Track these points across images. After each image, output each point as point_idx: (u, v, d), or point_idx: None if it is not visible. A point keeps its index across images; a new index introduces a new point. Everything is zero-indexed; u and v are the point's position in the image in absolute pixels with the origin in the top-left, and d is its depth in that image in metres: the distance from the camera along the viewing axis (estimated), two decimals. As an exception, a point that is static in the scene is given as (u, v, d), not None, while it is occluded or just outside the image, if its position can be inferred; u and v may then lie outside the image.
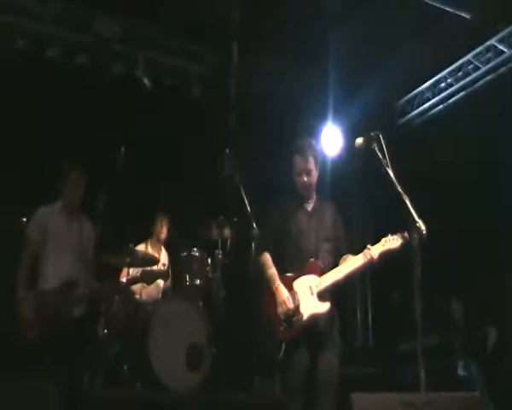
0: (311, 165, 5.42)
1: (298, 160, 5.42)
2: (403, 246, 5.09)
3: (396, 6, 8.63)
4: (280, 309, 5.09)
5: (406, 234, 4.99)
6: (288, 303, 5.09)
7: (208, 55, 10.01)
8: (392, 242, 5.16)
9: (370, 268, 5.23)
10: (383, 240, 5.19)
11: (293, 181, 5.51)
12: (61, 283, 6.04)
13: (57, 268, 6.14)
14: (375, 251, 5.15)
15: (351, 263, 5.20)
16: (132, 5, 8.78)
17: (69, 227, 6.36)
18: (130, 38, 9.42)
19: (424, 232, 4.30)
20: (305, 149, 5.44)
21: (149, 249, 8.48)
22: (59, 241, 6.25)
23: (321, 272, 5.22)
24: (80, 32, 9.16)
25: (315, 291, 5.15)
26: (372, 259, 5.12)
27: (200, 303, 7.84)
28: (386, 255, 5.15)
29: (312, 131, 10.47)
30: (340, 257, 5.33)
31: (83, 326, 6.23)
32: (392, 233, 5.19)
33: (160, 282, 8.34)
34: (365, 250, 5.17)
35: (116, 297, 7.50)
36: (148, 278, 7.91)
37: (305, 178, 5.41)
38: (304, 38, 9.44)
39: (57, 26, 9.02)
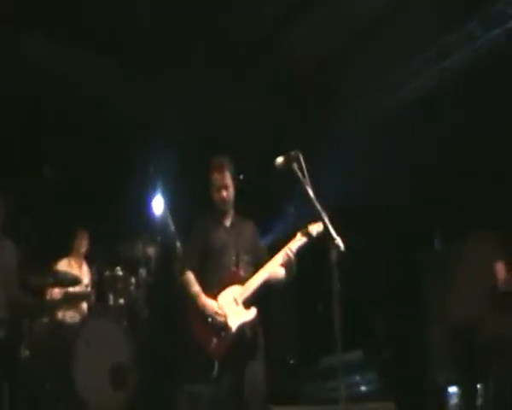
0: (228, 180, 5.53)
1: (216, 176, 5.52)
2: (316, 237, 5.22)
3: None
4: (215, 321, 5.13)
5: (321, 224, 5.05)
6: (220, 311, 5.15)
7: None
8: (304, 234, 5.31)
9: (291, 266, 5.33)
10: (298, 234, 5.33)
11: (211, 197, 5.59)
12: None
13: None
14: (292, 245, 5.28)
15: (271, 263, 5.30)
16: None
17: None
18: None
19: (342, 249, 4.40)
20: (222, 166, 5.55)
21: (72, 265, 8.38)
22: None
23: (243, 281, 5.29)
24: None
25: (240, 301, 5.21)
26: (288, 254, 5.24)
27: (125, 323, 7.82)
28: (303, 249, 5.30)
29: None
30: (262, 266, 5.41)
31: (4, 348, 6.11)
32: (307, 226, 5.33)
33: (83, 301, 8.26)
34: (283, 248, 5.29)
35: (39, 317, 7.46)
36: (72, 300, 7.87)
37: (224, 193, 5.51)
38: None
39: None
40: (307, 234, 5.32)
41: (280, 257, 5.28)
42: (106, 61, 9.02)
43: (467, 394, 6.94)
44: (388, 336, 9.31)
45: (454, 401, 7.32)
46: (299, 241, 5.32)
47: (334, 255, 4.42)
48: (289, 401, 5.19)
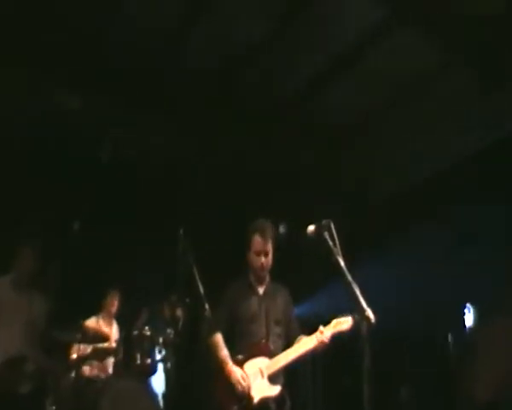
0: (269, 247, 5.48)
1: (258, 239, 5.47)
2: (352, 327, 5.14)
3: None
4: (237, 389, 5.08)
5: (356, 316, 5.02)
6: (243, 382, 5.09)
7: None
8: (342, 323, 5.21)
9: (322, 349, 5.26)
10: (334, 321, 5.24)
11: (249, 260, 5.54)
12: (8, 359, 5.91)
13: (4, 343, 6.02)
14: (326, 333, 5.19)
15: (302, 345, 5.23)
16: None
17: (19, 301, 6.26)
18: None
19: (372, 321, 4.36)
20: (265, 230, 5.51)
21: (101, 323, 8.44)
22: (7, 315, 6.14)
23: (271, 355, 5.23)
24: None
25: (265, 374, 5.16)
26: (324, 341, 5.16)
27: (152, 383, 7.80)
28: (337, 336, 5.19)
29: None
30: (292, 340, 5.34)
31: (29, 404, 6.08)
32: (342, 315, 5.24)
33: (110, 359, 8.25)
34: (317, 332, 5.21)
35: (66, 373, 7.45)
36: (99, 356, 7.84)
37: (263, 260, 5.45)
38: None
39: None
40: (343, 324, 5.24)
41: (313, 341, 5.21)
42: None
43: None
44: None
45: None
46: (333, 328, 5.23)
47: (364, 328, 4.38)
48: None
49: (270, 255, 5.52)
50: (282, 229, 10.58)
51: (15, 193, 8.74)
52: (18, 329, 6.21)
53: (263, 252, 5.45)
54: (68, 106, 8.96)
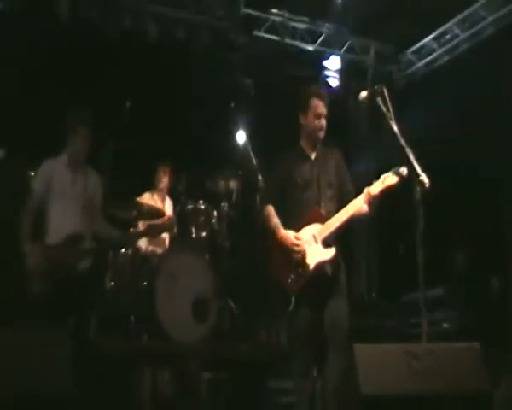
0: (326, 111, 5.44)
1: (318, 102, 5.36)
2: (401, 180, 5.11)
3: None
4: (292, 254, 5.12)
5: (404, 169, 4.99)
6: (297, 246, 5.13)
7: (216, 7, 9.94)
8: (390, 178, 5.17)
9: (374, 206, 5.25)
10: (382, 176, 5.20)
11: (305, 124, 5.49)
12: (66, 237, 5.99)
13: (62, 222, 6.05)
14: (375, 189, 5.17)
15: (352, 206, 5.20)
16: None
17: (74, 181, 6.21)
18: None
19: (427, 185, 4.33)
20: (323, 93, 5.45)
21: (155, 199, 8.49)
22: (64, 194, 6.14)
23: (324, 220, 5.23)
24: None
25: (319, 239, 5.15)
26: (373, 196, 5.14)
27: (207, 256, 7.90)
28: (387, 191, 5.17)
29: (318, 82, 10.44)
30: (346, 202, 5.33)
31: (88, 280, 6.21)
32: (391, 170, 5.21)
33: (166, 234, 8.38)
34: (365, 189, 5.19)
35: (123, 250, 7.59)
36: (154, 231, 7.96)
37: (323, 121, 5.40)
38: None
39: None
40: (392, 177, 5.19)
41: (362, 198, 5.19)
42: None
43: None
44: (470, 272, 9.18)
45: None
46: (382, 184, 5.19)
47: (418, 192, 4.36)
48: (371, 338, 5.18)
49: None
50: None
51: (67, 77, 8.80)
52: (74, 208, 6.17)
53: (323, 114, 5.39)
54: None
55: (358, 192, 5.26)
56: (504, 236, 8.86)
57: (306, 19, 10.51)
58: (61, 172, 6.19)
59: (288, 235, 5.18)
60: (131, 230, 7.57)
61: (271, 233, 5.30)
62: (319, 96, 5.39)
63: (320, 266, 5.11)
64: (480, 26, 9.90)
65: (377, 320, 8.84)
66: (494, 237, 8.83)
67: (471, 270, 8.95)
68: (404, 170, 5.00)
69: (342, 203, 5.28)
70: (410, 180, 4.60)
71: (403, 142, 4.50)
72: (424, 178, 4.33)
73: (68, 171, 6.21)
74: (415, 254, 4.38)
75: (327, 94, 5.50)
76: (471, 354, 4.13)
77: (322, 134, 5.43)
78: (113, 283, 7.48)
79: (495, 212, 9.07)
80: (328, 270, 5.17)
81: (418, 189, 4.36)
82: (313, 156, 5.47)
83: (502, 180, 9.12)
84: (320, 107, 5.36)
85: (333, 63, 11.03)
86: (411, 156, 4.43)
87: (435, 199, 4.49)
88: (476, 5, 9.78)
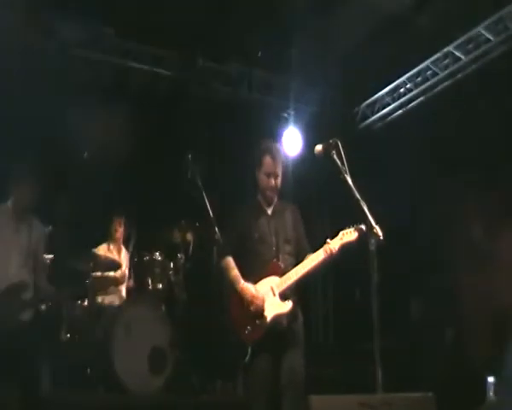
0: (279, 169, 5.47)
1: (268, 161, 5.42)
2: (360, 238, 5.17)
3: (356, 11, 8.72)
4: (251, 307, 5.14)
5: (362, 226, 5.07)
6: (258, 297, 5.16)
7: (173, 58, 10.02)
8: (349, 235, 5.22)
9: (331, 262, 5.30)
10: (341, 233, 5.23)
11: (258, 181, 5.54)
12: (6, 287, 5.72)
13: (2, 271, 5.81)
14: (334, 245, 5.21)
15: (311, 260, 5.25)
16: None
17: (17, 229, 5.98)
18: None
19: (381, 237, 4.39)
20: (275, 152, 5.48)
21: (111, 250, 8.47)
22: (5, 243, 5.90)
23: (282, 273, 5.27)
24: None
25: (277, 292, 5.20)
26: (332, 253, 5.19)
27: (163, 307, 7.90)
28: (345, 248, 5.23)
29: (274, 134, 10.52)
30: (302, 257, 5.38)
31: (32, 331, 5.98)
32: (349, 226, 5.27)
33: (122, 285, 8.36)
34: (325, 245, 5.24)
35: (79, 302, 7.55)
36: (111, 283, 7.96)
37: (273, 182, 5.44)
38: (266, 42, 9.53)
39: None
40: (351, 234, 5.26)
41: (321, 254, 5.25)
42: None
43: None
44: (424, 322, 9.26)
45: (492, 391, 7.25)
46: (340, 240, 5.25)
47: (373, 244, 4.42)
48: (327, 388, 5.19)
49: (280, 178, 5.51)
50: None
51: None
52: (16, 257, 5.90)
53: (273, 173, 5.44)
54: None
55: (315, 248, 5.33)
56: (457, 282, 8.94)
57: (263, 71, 10.66)
58: (3, 220, 6.00)
59: (249, 287, 5.22)
60: (88, 282, 7.54)
61: (230, 285, 5.33)
62: (271, 154, 5.45)
63: (277, 318, 5.15)
64: (431, 81, 10.13)
65: (333, 370, 8.88)
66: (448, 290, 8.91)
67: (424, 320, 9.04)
68: (362, 227, 5.09)
69: (299, 258, 5.34)
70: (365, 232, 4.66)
71: (357, 194, 4.56)
72: (378, 230, 4.39)
73: (11, 219, 6.00)
74: (370, 304, 4.42)
75: (280, 150, 5.58)
76: (426, 403, 4.18)
77: (272, 194, 5.51)
78: (68, 335, 7.43)
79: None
80: (285, 322, 5.21)
81: (373, 241, 4.41)
82: (270, 211, 5.53)
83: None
84: (270, 165, 5.43)
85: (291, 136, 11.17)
86: (366, 209, 4.49)
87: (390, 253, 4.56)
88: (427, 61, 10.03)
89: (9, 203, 6.05)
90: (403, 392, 4.38)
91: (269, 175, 5.43)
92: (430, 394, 4.19)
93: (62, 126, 8.71)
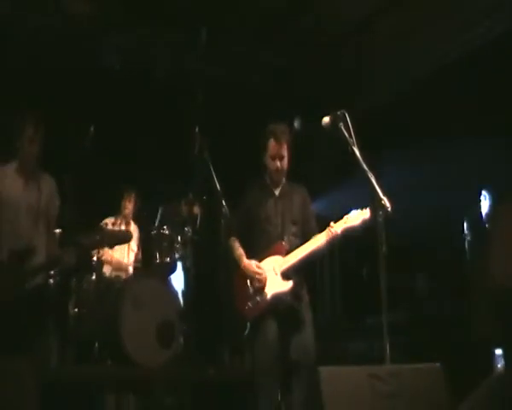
0: (285, 150, 5.49)
1: (272, 144, 5.47)
2: (364, 224, 5.20)
3: None
4: (255, 281, 5.25)
5: (368, 212, 5.12)
6: (259, 273, 5.23)
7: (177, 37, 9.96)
8: (353, 218, 5.25)
9: (334, 244, 5.34)
10: (345, 217, 5.29)
11: (264, 164, 5.59)
12: (15, 251, 5.38)
13: (11, 233, 5.51)
14: (337, 228, 5.24)
15: (314, 241, 5.29)
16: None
17: (26, 188, 5.64)
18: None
19: (389, 209, 4.38)
20: (279, 134, 5.49)
21: (118, 223, 8.43)
22: (13, 202, 5.57)
23: (286, 254, 5.32)
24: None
25: (278, 271, 5.26)
26: (334, 235, 5.22)
27: (171, 281, 7.93)
28: (349, 232, 5.25)
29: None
30: (309, 238, 5.40)
31: (41, 297, 5.65)
32: (355, 209, 5.30)
33: (130, 260, 8.40)
34: (328, 228, 5.27)
35: (87, 275, 7.57)
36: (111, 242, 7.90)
37: (278, 164, 5.47)
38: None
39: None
40: (354, 219, 5.28)
41: (323, 236, 5.27)
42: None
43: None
44: (431, 295, 9.27)
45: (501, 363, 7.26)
46: (344, 224, 5.27)
47: (380, 216, 4.41)
48: (335, 361, 5.22)
49: (286, 159, 5.53)
50: (296, 124, 10.59)
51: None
52: (26, 218, 5.59)
53: (278, 156, 5.47)
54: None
55: (321, 230, 5.35)
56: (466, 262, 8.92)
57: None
58: (9, 179, 5.66)
59: (251, 264, 5.32)
60: (95, 257, 7.56)
61: (235, 264, 5.42)
62: (276, 137, 5.48)
63: (278, 296, 5.20)
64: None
65: (342, 343, 8.92)
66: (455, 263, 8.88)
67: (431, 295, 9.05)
68: (366, 212, 5.16)
69: (306, 239, 5.37)
70: (373, 206, 4.65)
71: (365, 166, 4.56)
72: (386, 202, 4.38)
73: (19, 178, 5.67)
74: (377, 279, 4.42)
75: (286, 131, 5.60)
76: (433, 374, 4.19)
77: (279, 176, 5.54)
78: (76, 309, 7.46)
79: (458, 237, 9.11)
80: (288, 301, 5.26)
81: (381, 212, 4.41)
82: (277, 192, 5.58)
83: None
84: (274, 149, 5.47)
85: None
86: (373, 180, 4.48)
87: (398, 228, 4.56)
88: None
89: (14, 162, 5.74)
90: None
91: (274, 158, 5.47)
92: (437, 364, 4.21)
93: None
